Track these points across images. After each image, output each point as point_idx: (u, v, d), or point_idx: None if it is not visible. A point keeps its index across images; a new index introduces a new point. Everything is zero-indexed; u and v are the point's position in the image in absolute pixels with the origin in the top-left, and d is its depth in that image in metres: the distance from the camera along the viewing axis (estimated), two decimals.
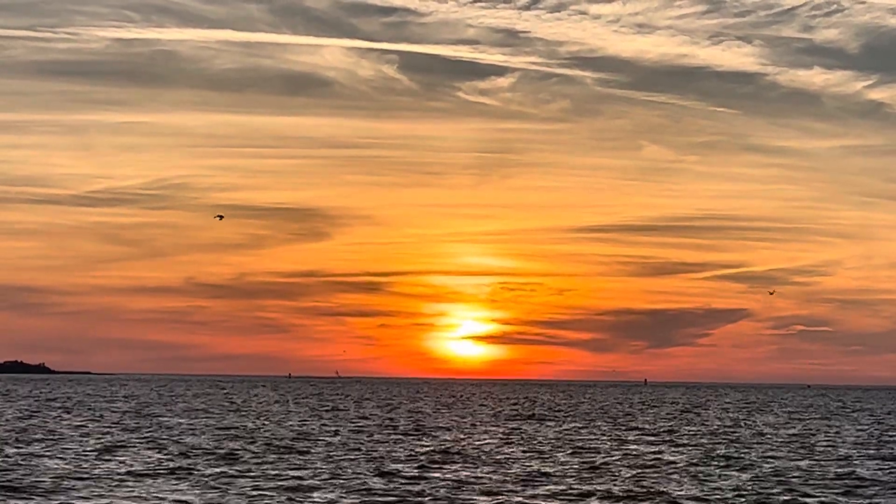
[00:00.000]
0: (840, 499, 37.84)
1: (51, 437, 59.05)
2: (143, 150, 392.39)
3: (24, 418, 78.56)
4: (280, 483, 39.00)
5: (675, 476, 43.25)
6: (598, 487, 39.07)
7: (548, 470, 44.75)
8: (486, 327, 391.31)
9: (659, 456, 52.50)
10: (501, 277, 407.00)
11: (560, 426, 79.33)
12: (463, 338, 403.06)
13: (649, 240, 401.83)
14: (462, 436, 65.44)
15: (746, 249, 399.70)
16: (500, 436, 66.08)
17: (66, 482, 38.13)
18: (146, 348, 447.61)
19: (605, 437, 66.04)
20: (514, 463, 47.68)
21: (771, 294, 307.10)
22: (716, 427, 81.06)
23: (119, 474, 40.66)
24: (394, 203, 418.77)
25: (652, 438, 65.71)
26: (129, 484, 38.01)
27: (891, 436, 73.47)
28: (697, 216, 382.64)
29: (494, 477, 41.94)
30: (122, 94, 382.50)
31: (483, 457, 50.42)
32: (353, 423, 79.24)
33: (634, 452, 54.48)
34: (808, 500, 37.32)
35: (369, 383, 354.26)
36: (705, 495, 37.66)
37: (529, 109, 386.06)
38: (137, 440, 57.32)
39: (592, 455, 52.31)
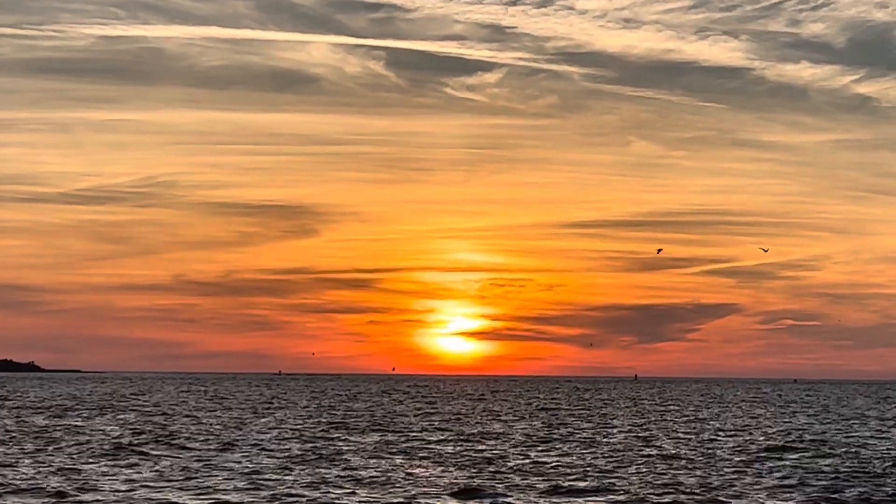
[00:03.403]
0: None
1: None
2: (130, 148, 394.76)
3: None
4: None
5: None
6: None
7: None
8: (475, 323, 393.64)
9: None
10: (491, 273, 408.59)
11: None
12: (453, 334, 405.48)
13: (638, 235, 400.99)
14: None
15: (735, 244, 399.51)
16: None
17: None
18: (136, 346, 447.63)
19: None
20: None
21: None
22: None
23: None
24: (382, 199, 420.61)
25: None
26: None
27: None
28: (686, 211, 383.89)
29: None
30: (109, 91, 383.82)
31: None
32: None
33: None
34: None
35: (349, 380, 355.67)
36: None
37: (517, 105, 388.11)
38: None
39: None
